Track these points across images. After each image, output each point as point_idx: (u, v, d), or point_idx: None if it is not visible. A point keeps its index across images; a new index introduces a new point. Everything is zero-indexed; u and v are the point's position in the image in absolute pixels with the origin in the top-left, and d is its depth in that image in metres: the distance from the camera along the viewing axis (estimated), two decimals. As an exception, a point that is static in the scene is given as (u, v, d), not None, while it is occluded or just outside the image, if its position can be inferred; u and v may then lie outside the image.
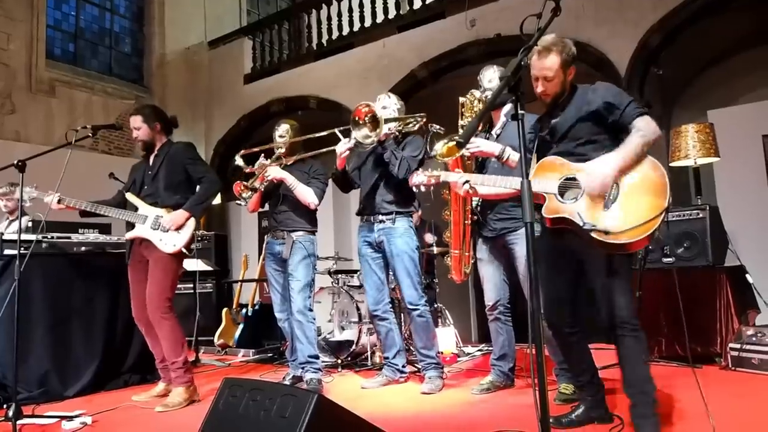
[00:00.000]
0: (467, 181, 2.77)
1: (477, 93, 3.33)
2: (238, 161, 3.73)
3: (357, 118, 3.35)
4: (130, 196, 3.59)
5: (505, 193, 2.69)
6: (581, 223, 2.26)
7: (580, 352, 2.59)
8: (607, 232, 2.22)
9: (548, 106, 2.56)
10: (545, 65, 2.40)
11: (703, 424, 2.44)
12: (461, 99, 3.36)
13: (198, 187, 3.60)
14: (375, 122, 3.36)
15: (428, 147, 3.42)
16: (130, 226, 3.52)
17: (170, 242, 3.41)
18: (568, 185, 2.38)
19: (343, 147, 3.54)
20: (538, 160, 2.54)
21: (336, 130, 3.61)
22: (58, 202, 3.47)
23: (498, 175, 3.24)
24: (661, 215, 2.20)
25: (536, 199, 2.42)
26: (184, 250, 3.44)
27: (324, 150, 3.71)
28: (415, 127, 3.63)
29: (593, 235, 2.24)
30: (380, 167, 3.69)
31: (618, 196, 2.28)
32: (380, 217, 3.69)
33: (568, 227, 2.35)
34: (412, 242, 3.70)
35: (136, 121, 3.60)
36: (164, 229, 3.41)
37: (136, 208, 3.54)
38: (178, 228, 3.43)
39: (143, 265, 3.52)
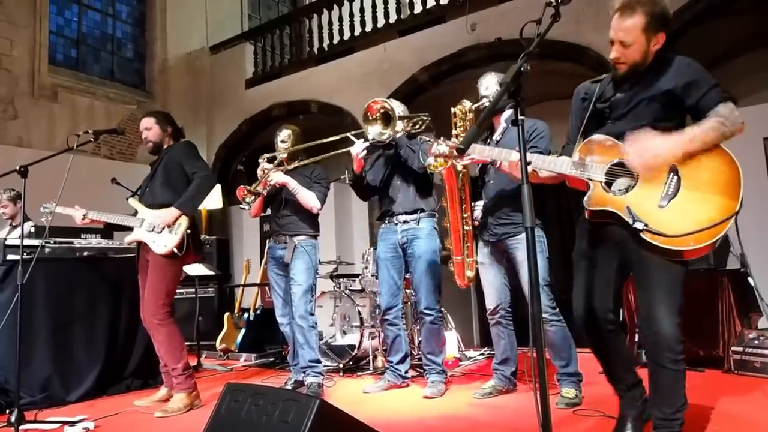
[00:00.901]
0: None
1: (467, 104, 3.24)
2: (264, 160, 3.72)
3: (369, 115, 3.35)
4: (132, 201, 3.61)
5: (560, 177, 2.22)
6: (630, 221, 1.94)
7: (616, 354, 2.23)
8: (662, 235, 1.90)
9: (620, 78, 2.13)
10: (624, 26, 2.00)
11: (705, 426, 2.44)
12: (452, 109, 3.29)
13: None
14: (387, 118, 3.36)
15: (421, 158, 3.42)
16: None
17: (162, 243, 3.36)
18: (617, 172, 2.05)
19: (359, 147, 3.52)
20: (585, 136, 2.16)
21: (349, 134, 3.60)
22: (83, 216, 3.51)
23: (498, 179, 3.28)
24: (731, 219, 1.88)
25: (575, 185, 2.15)
26: (175, 251, 3.34)
27: (331, 153, 3.70)
28: (422, 128, 3.57)
29: (644, 236, 1.93)
30: (394, 168, 3.68)
31: (679, 190, 1.95)
32: (403, 217, 3.65)
33: (613, 222, 2.05)
34: (436, 245, 3.64)
35: (149, 121, 3.62)
36: (157, 230, 3.37)
37: (137, 213, 3.56)
38: (170, 227, 3.37)
39: (145, 268, 3.51)
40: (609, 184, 2.05)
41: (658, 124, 2.03)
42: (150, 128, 3.60)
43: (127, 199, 3.66)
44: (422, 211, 3.65)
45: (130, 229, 3.56)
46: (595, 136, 2.12)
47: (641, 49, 2.03)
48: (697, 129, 1.93)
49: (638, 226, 1.93)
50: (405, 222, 3.65)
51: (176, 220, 3.38)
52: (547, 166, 2.17)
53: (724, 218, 1.88)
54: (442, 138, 2.70)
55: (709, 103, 1.98)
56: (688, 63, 2.07)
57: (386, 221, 3.75)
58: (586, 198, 2.08)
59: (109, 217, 3.59)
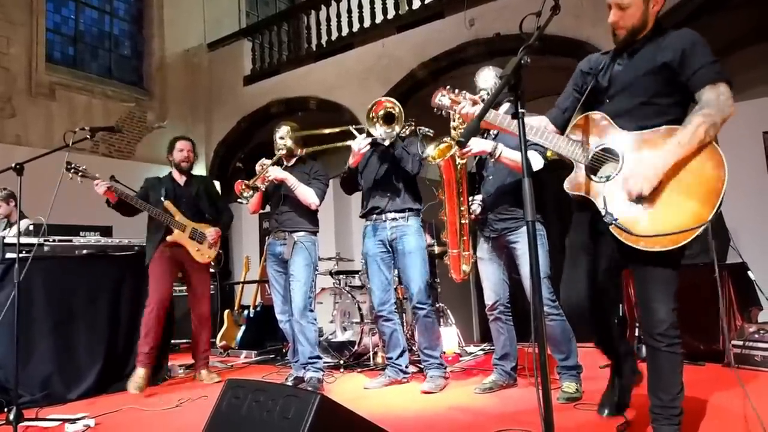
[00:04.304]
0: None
1: None
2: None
3: (373, 113, 3.37)
4: (169, 205, 4.07)
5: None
6: (602, 212, 1.95)
7: (606, 328, 2.26)
8: (627, 231, 1.90)
9: (620, 44, 2.08)
10: None
11: (709, 423, 2.43)
12: None
13: (222, 214, 4.42)
14: (390, 118, 3.38)
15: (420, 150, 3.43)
16: (162, 227, 4.01)
17: (205, 254, 4.17)
18: (603, 158, 2.02)
19: (363, 143, 3.53)
20: (584, 111, 2.13)
21: (351, 128, 3.60)
22: (108, 189, 3.84)
23: (497, 174, 3.27)
24: (700, 228, 1.82)
25: (563, 158, 2.14)
26: (212, 263, 4.24)
27: (332, 145, 3.71)
28: (407, 132, 3.56)
29: (611, 229, 1.94)
30: (387, 166, 3.70)
31: (657, 190, 1.90)
32: (393, 215, 3.68)
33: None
34: (423, 242, 3.71)
35: (191, 146, 4.33)
36: (200, 240, 4.12)
37: (170, 215, 4.03)
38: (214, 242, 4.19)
39: (171, 261, 4.07)
40: (594, 170, 2.03)
41: (657, 100, 1.99)
42: (192, 151, 4.31)
43: (163, 199, 4.08)
44: (410, 210, 3.69)
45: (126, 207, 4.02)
46: (588, 114, 2.07)
47: (639, 12, 1.98)
48: (684, 131, 1.88)
49: (608, 219, 1.94)
50: (394, 219, 3.68)
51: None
52: (543, 141, 2.12)
53: (693, 226, 1.83)
54: (446, 87, 2.62)
55: (697, 83, 1.91)
56: (689, 35, 1.98)
57: (374, 218, 3.76)
58: (566, 180, 2.08)
59: (141, 204, 3.96)
